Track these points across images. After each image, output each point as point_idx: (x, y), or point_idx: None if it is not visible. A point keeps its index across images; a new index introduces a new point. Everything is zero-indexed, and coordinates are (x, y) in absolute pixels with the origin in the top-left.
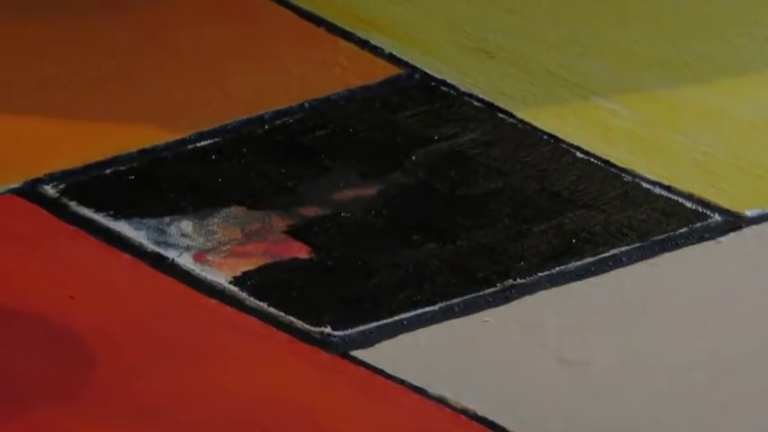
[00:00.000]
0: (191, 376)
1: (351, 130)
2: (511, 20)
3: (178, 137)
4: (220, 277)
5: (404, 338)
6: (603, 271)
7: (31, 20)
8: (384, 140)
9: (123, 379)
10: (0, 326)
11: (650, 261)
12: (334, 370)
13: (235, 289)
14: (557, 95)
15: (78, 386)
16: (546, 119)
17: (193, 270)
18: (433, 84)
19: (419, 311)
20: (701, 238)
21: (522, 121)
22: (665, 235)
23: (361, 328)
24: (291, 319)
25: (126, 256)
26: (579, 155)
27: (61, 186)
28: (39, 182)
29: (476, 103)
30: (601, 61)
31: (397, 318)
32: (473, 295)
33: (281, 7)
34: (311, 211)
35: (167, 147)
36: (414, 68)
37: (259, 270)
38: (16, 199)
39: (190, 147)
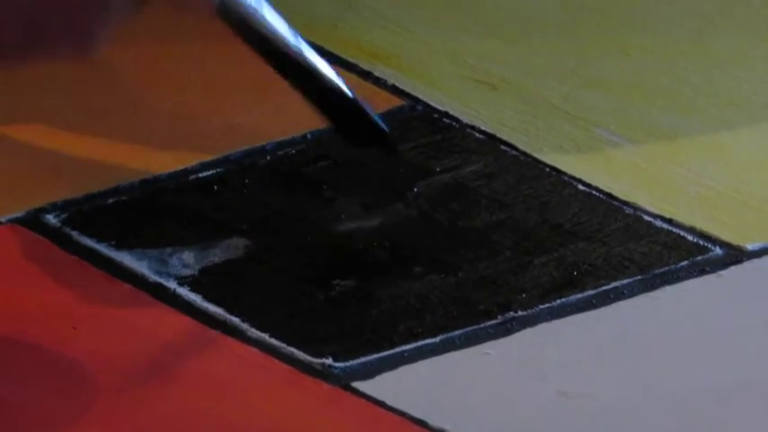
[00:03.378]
0: (192, 407)
1: (353, 161)
2: (513, 52)
3: (180, 167)
4: (222, 308)
5: (405, 370)
6: (605, 303)
7: None
8: (386, 172)
9: (125, 409)
10: (1, 355)
11: (651, 294)
12: (336, 401)
13: (236, 320)
14: (559, 128)
15: (80, 415)
16: (548, 151)
17: (195, 301)
18: (435, 115)
19: (420, 343)
20: (702, 272)
21: (524, 154)
22: (667, 268)
23: (363, 359)
24: (293, 350)
25: (127, 286)
26: (581, 187)
27: (63, 216)
28: (41, 211)
29: (478, 135)
30: (603, 94)
31: (398, 349)
32: (474, 327)
33: None
34: (313, 243)
35: (169, 177)
36: (416, 100)
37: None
38: (18, 228)
39: (192, 177)
